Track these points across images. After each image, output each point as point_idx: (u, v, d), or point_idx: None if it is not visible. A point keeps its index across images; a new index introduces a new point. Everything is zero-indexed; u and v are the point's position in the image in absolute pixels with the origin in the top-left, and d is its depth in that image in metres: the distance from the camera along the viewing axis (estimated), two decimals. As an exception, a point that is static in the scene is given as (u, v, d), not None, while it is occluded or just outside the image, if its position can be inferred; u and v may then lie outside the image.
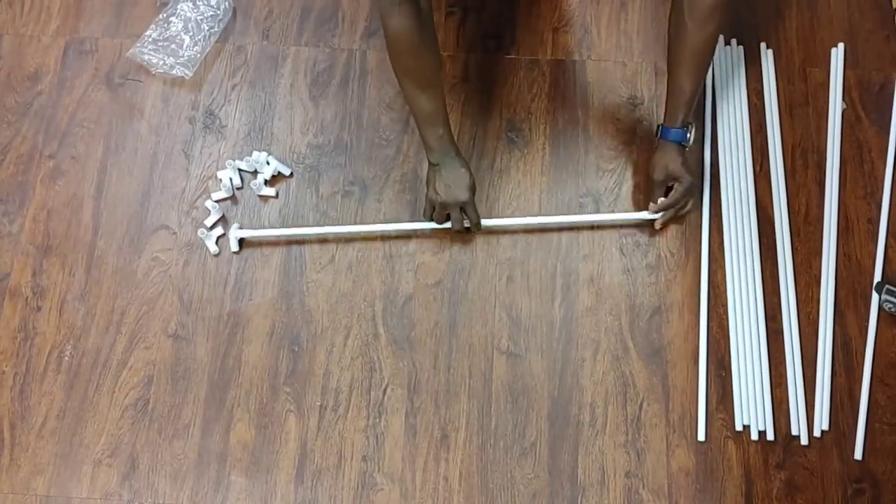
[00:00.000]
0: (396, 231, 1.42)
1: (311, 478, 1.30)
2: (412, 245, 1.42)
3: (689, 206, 1.41)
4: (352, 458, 1.31)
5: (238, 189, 1.46)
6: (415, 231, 1.42)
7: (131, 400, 1.34)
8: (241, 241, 1.42)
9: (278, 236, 1.41)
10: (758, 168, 1.46)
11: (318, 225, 1.43)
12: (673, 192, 1.37)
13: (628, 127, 1.50)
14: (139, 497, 1.29)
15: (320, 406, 1.34)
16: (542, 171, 1.47)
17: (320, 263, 1.42)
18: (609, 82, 1.54)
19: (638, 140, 1.49)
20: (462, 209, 1.35)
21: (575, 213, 1.44)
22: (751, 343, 1.35)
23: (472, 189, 1.33)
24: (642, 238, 1.43)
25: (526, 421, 1.33)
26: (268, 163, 1.45)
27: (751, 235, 1.41)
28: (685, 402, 1.33)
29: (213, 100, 1.53)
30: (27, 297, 1.40)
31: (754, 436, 1.31)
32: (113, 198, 1.46)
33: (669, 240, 1.43)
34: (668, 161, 1.35)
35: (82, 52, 1.56)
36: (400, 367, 1.36)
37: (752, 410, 1.32)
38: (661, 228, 1.42)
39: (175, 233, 1.44)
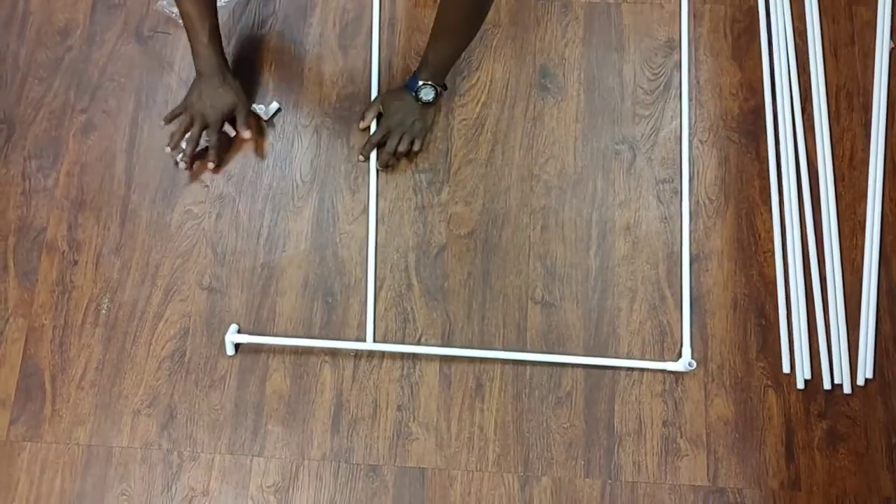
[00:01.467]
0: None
1: (347, 427, 1.30)
2: (444, 195, 1.41)
3: (402, 147, 1.39)
4: (387, 408, 1.31)
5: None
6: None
7: (168, 352, 1.35)
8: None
9: (283, 345, 1.38)
10: (801, 111, 1.42)
11: (350, 176, 1.42)
12: (380, 134, 1.40)
13: (666, 71, 1.46)
14: (178, 447, 1.31)
15: (355, 356, 1.34)
16: (577, 118, 1.44)
17: (353, 215, 1.41)
18: (645, 25, 1.49)
19: (675, 85, 1.45)
20: (205, 129, 1.38)
21: (610, 160, 1.41)
22: (795, 291, 1.32)
23: (226, 112, 1.37)
24: (680, 185, 1.40)
25: (561, 370, 1.32)
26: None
27: (795, 181, 1.37)
28: (724, 350, 1.31)
29: (241, 50, 1.51)
30: (63, 251, 1.41)
31: (799, 384, 1.28)
32: (145, 152, 1.46)
33: (708, 186, 1.39)
34: (392, 101, 1.39)
35: (110, 6, 1.55)
36: (433, 318, 1.35)
37: (795, 359, 1.29)
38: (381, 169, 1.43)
39: (207, 185, 1.43)
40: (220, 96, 1.36)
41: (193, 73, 1.49)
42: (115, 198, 1.44)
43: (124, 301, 1.38)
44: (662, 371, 1.30)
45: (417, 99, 1.36)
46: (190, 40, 1.35)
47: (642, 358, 1.31)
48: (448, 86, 1.39)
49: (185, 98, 1.39)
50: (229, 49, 1.50)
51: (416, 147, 1.39)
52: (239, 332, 1.34)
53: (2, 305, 1.38)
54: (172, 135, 1.38)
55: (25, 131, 1.48)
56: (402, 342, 1.34)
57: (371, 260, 1.37)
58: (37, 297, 1.39)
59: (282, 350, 1.34)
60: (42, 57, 1.52)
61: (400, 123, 1.38)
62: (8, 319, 1.38)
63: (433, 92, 1.35)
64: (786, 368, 1.29)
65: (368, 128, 1.43)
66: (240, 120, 1.39)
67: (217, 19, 1.34)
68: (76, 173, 1.45)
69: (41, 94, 1.50)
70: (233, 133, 1.43)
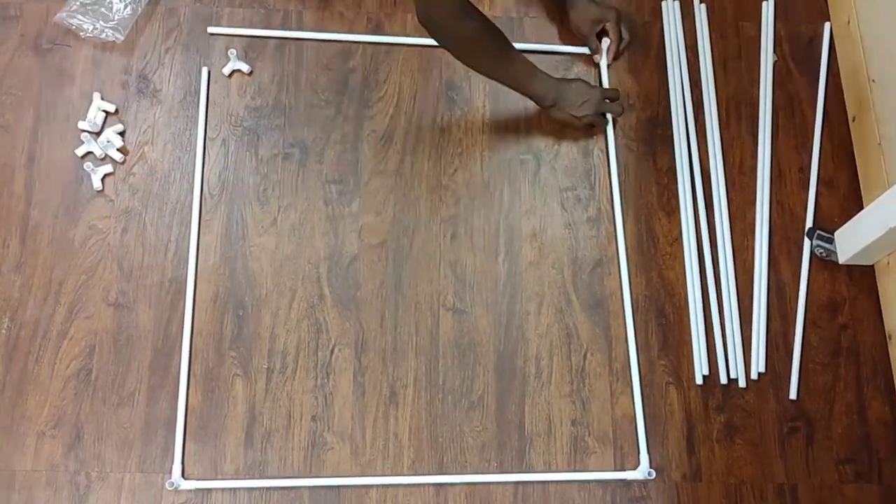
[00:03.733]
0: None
1: (261, 440, 1.30)
2: (355, 205, 1.42)
3: (626, 36, 1.52)
4: (301, 419, 1.31)
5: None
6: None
7: (73, 370, 1.32)
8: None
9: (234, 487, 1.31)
10: (694, 121, 1.49)
11: (259, 189, 1.42)
12: (611, 31, 1.50)
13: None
14: (85, 467, 1.28)
15: (267, 369, 1.34)
16: (483, 129, 1.48)
17: (262, 226, 1.41)
18: (548, 39, 1.55)
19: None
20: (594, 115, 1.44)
21: (516, 169, 1.46)
22: (692, 292, 1.39)
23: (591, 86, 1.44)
24: (583, 192, 1.45)
25: (473, 375, 1.35)
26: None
27: (689, 187, 1.45)
28: (628, 351, 1.36)
29: (146, 63, 1.49)
30: (-40, 270, 1.36)
31: (698, 380, 1.35)
32: (46, 166, 1.43)
33: (609, 193, 1.45)
34: (584, 8, 1.49)
35: (6, 18, 1.51)
36: (346, 328, 1.36)
37: (693, 356, 1.36)
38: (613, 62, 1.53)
39: (112, 200, 1.41)
40: (579, 85, 1.44)
41: (95, 85, 1.47)
42: (13, 214, 1.40)
43: (26, 320, 1.34)
44: (570, 371, 1.35)
45: None
46: (527, 91, 1.40)
47: (550, 360, 1.35)
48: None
49: (577, 116, 1.42)
50: (138, 65, 1.48)
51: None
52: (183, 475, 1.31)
53: None
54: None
55: (-84, 146, 1.42)
56: (316, 352, 1.34)
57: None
58: (-69, 318, 1.34)
59: (192, 361, 1.33)
60: (-67, 70, 1.47)
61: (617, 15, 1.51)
62: None
63: None
64: (685, 366, 1.36)
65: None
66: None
67: None
68: (-28, 189, 1.41)
69: (-68, 107, 1.45)
70: None
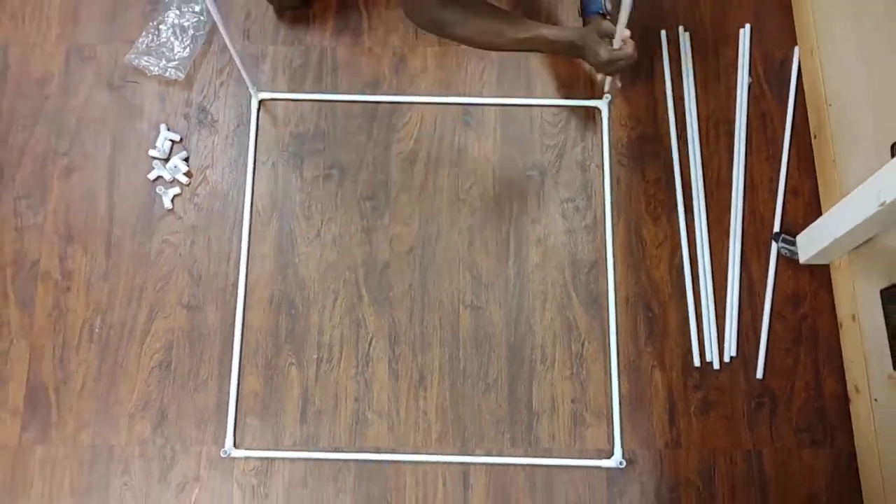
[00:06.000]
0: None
1: (313, 418, 1.57)
2: (386, 218, 1.67)
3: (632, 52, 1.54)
4: (346, 400, 1.58)
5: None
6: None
7: (156, 362, 1.59)
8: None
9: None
10: (678, 138, 1.72)
11: (304, 205, 1.67)
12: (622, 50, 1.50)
13: (565, 108, 1.74)
14: (170, 442, 1.55)
15: (317, 359, 1.60)
16: (495, 149, 1.72)
17: (308, 238, 1.66)
18: (550, 68, 1.77)
19: (574, 118, 1.73)
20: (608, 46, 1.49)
21: (524, 184, 1.69)
22: (674, 288, 1.63)
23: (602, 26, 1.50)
24: (581, 203, 1.69)
25: (489, 362, 1.60)
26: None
27: (673, 197, 1.68)
28: (619, 339, 1.61)
29: (204, 97, 1.73)
30: (56, 280, 1.63)
31: (676, 364, 1.60)
32: (123, 190, 1.68)
33: (602, 203, 1.68)
34: (601, 34, 1.51)
35: (83, 58, 1.75)
36: (382, 323, 1.62)
37: (675, 343, 1.60)
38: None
39: (181, 218, 1.66)
40: (592, 25, 1.52)
41: (161, 117, 1.71)
42: (99, 231, 1.66)
43: (114, 321, 1.61)
44: (570, 357, 1.60)
45: (604, 14, 1.59)
46: (548, 46, 1.52)
47: (553, 348, 1.60)
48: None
49: (598, 57, 1.49)
50: (197, 98, 1.72)
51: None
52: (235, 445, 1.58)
53: (5, 329, 1.60)
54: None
55: (13, 174, 1.68)
56: (357, 344, 1.60)
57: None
58: (36, 320, 1.60)
59: (254, 356, 1.59)
60: (23, 106, 1.72)
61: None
62: (12, 341, 1.59)
63: None
64: (668, 351, 1.60)
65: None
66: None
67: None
68: (62, 210, 1.66)
69: (24, 139, 1.70)
70: None
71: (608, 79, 1.66)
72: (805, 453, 1.56)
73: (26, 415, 1.56)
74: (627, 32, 1.47)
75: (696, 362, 1.60)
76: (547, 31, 1.51)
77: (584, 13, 1.65)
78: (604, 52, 1.48)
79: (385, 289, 1.63)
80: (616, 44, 1.49)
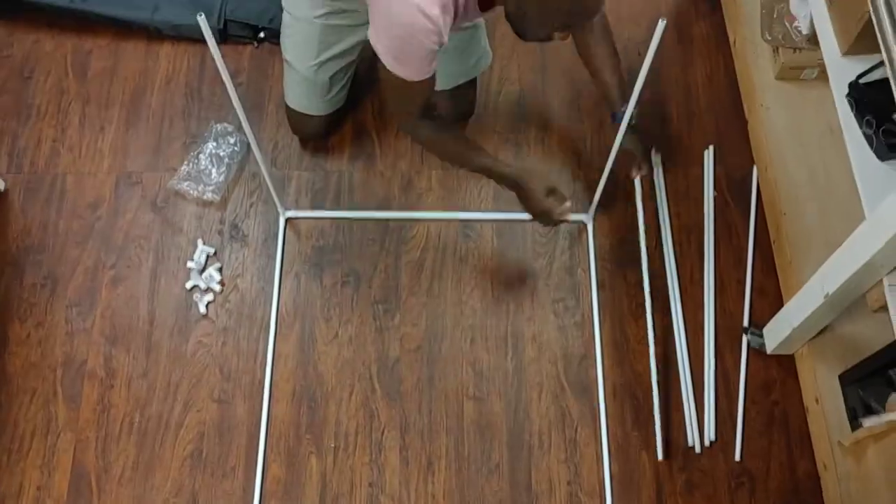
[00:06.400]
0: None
1: (331, 502, 1.71)
2: (397, 319, 1.87)
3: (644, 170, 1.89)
4: (361, 485, 1.73)
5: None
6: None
7: (188, 452, 1.75)
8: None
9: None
10: (653, 245, 1.94)
11: (324, 309, 1.88)
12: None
13: (555, 219, 1.98)
14: (200, 525, 1.70)
15: (334, 447, 1.76)
16: (492, 256, 1.94)
17: (327, 338, 1.85)
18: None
19: (562, 230, 1.96)
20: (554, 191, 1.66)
21: (520, 290, 1.90)
22: (656, 378, 1.81)
23: (545, 177, 1.69)
24: (570, 302, 1.89)
25: (491, 448, 1.76)
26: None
27: (651, 298, 1.88)
28: (609, 425, 1.77)
29: (236, 216, 1.97)
30: (101, 378, 1.81)
31: (661, 447, 1.75)
32: (163, 296, 1.89)
33: (590, 303, 1.88)
34: (630, 140, 1.79)
35: (130, 184, 2.01)
36: (393, 414, 1.79)
37: (659, 428, 1.77)
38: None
39: (213, 321, 1.87)
40: (535, 169, 1.81)
41: (198, 233, 1.94)
42: (140, 334, 1.86)
43: (152, 414, 1.78)
44: (564, 442, 1.76)
45: (631, 126, 1.67)
46: (493, 175, 1.70)
47: (549, 434, 1.77)
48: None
49: (533, 206, 1.68)
50: (230, 217, 1.97)
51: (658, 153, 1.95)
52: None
53: (53, 423, 1.77)
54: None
55: (66, 285, 1.90)
56: (370, 433, 1.77)
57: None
58: (81, 415, 1.78)
59: (277, 445, 1.76)
60: (77, 226, 1.96)
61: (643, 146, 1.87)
62: (59, 434, 1.76)
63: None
64: (653, 436, 1.76)
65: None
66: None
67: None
68: (108, 316, 1.87)
69: (78, 254, 1.93)
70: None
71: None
72: (784, 530, 1.70)
73: (69, 502, 1.71)
74: (569, 203, 1.67)
75: (681, 447, 1.75)
76: (496, 166, 1.68)
77: (614, 120, 1.78)
78: (543, 203, 1.65)
79: (396, 383, 1.82)
80: (560, 212, 1.67)
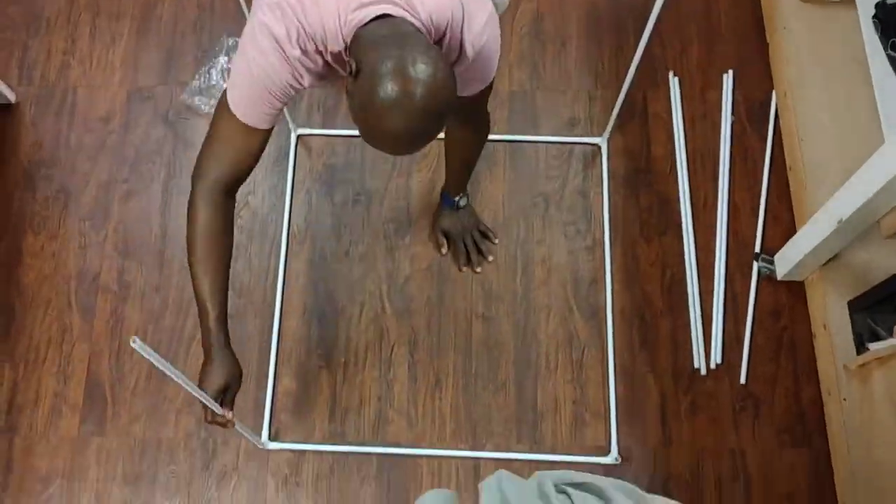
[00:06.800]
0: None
1: (341, 415, 1.75)
2: (407, 239, 1.87)
3: (478, 244, 1.84)
4: (370, 400, 1.76)
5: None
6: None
7: (201, 365, 1.78)
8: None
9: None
10: (668, 169, 1.92)
11: (335, 227, 1.88)
12: (453, 245, 1.83)
13: (567, 143, 1.95)
14: (212, 435, 1.73)
15: (344, 362, 1.78)
16: (505, 179, 1.93)
17: (338, 256, 1.86)
18: (554, 107, 1.99)
19: (575, 152, 1.94)
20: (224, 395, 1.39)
21: (530, 209, 1.90)
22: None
23: (229, 381, 1.39)
24: (582, 226, 1.89)
25: (498, 367, 1.78)
26: None
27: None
28: (615, 346, 1.79)
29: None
30: (115, 291, 1.83)
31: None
32: (175, 212, 1.90)
33: (601, 226, 1.88)
34: (443, 219, 1.81)
35: (142, 98, 1.99)
36: (402, 331, 1.81)
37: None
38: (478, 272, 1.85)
39: (225, 237, 1.87)
40: (224, 365, 1.41)
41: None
42: (153, 249, 1.87)
43: (165, 327, 1.81)
44: (571, 363, 1.78)
45: (458, 207, 1.78)
46: (201, 319, 1.39)
47: (556, 355, 1.78)
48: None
49: (206, 383, 1.39)
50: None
51: (491, 236, 1.85)
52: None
53: (68, 334, 1.80)
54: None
55: (79, 198, 1.91)
56: (380, 350, 1.79)
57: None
58: (95, 327, 1.81)
59: (288, 359, 1.78)
60: (89, 140, 1.96)
61: (463, 229, 1.83)
62: (74, 345, 1.79)
63: (465, 197, 1.78)
64: (660, 357, 1.78)
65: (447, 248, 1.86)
66: (228, 397, 1.40)
67: (226, 304, 1.40)
68: (121, 230, 1.88)
69: (90, 168, 1.93)
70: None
71: None
72: (786, 453, 1.72)
73: (84, 410, 1.75)
74: (228, 418, 1.39)
75: (687, 369, 1.77)
76: (206, 319, 1.41)
77: (443, 201, 1.81)
78: (209, 389, 1.38)
79: (406, 301, 1.83)
80: (213, 416, 1.39)
